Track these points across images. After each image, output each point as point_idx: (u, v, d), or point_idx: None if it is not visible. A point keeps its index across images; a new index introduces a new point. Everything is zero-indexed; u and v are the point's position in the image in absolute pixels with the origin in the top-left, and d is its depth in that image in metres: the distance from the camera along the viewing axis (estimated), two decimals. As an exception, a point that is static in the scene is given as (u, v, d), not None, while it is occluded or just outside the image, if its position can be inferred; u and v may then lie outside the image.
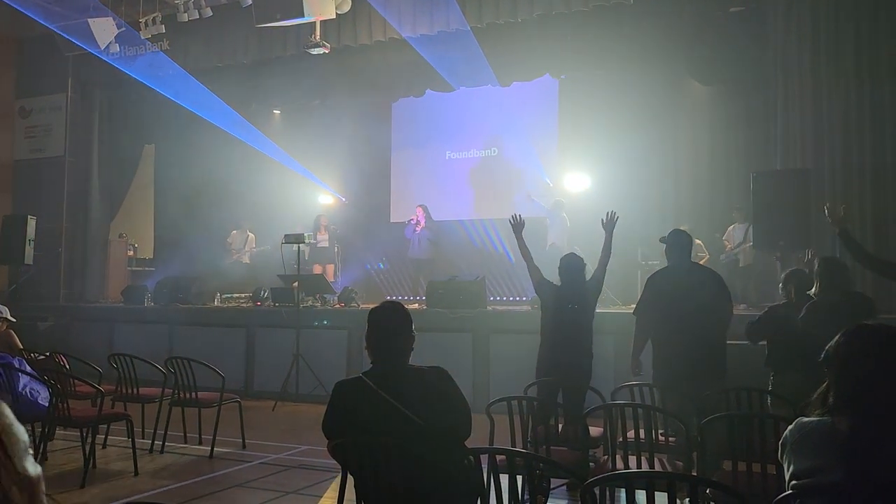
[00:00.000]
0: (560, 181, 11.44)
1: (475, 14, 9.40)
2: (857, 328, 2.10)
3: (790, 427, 2.10)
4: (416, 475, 2.71)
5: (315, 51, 9.80)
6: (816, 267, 4.78)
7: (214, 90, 11.35)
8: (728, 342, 5.10)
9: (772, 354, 4.87)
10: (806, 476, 2.00)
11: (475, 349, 8.41)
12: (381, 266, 12.91)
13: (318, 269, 11.69)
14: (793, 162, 8.08)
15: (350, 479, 2.96)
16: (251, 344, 9.70)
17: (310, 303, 9.72)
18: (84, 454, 5.39)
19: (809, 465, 2.00)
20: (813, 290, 4.74)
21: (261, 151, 12.26)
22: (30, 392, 5.61)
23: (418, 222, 11.04)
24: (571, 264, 5.51)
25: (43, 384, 5.60)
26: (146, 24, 10.08)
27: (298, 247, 9.23)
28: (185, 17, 9.77)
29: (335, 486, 4.70)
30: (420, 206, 11.20)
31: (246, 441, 6.52)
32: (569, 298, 5.44)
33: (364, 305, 9.63)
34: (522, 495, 3.05)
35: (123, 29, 10.50)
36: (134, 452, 5.65)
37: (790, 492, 2.05)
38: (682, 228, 5.59)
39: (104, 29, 10.49)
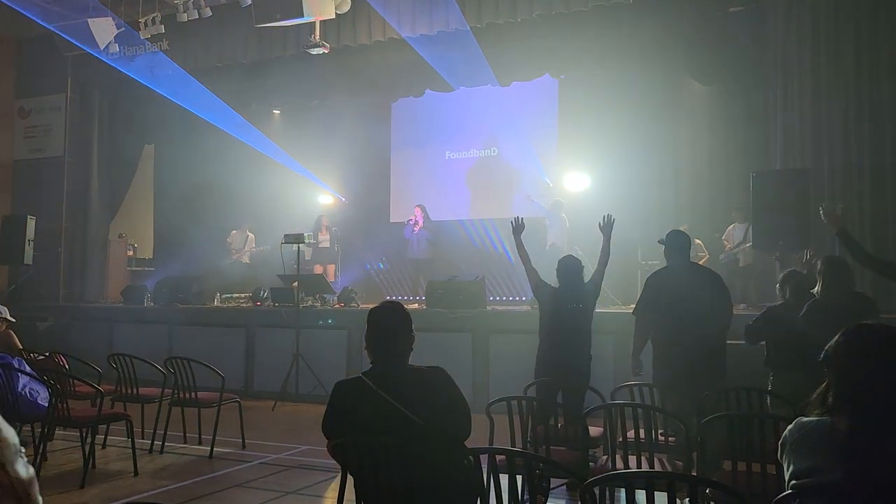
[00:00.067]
0: (560, 181, 11.44)
1: (475, 14, 9.39)
2: (857, 328, 2.10)
3: (790, 427, 2.10)
4: (415, 475, 2.71)
5: (315, 51, 9.80)
6: (820, 266, 4.79)
7: (214, 90, 11.36)
8: (728, 342, 5.10)
9: (771, 355, 4.87)
10: (805, 476, 2.00)
11: (475, 349, 8.41)
12: (381, 266, 12.92)
13: (318, 270, 11.70)
14: (792, 162, 8.08)
15: (350, 479, 2.96)
16: (251, 344, 9.70)
17: (309, 303, 9.72)
18: (84, 454, 5.39)
19: (809, 464, 2.00)
20: (816, 288, 4.75)
21: (260, 151, 12.25)
22: (29, 392, 5.61)
23: (416, 222, 11.04)
24: (570, 266, 5.50)
25: (42, 384, 5.60)
26: (146, 25, 10.07)
27: (298, 247, 9.23)
28: (185, 18, 9.76)
29: (335, 486, 4.69)
30: (418, 205, 11.21)
31: (246, 441, 6.52)
32: (567, 300, 5.44)
33: (364, 305, 9.64)
34: (522, 495, 3.05)
35: (123, 29, 10.50)
36: (133, 452, 5.65)
37: (790, 491, 2.05)
38: (680, 229, 5.59)
39: (103, 29, 10.49)
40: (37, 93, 12.79)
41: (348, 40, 10.13)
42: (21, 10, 10.58)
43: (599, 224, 5.69)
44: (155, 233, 14.24)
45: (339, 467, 3.01)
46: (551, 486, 4.74)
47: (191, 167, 12.61)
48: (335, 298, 10.07)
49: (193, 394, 6.29)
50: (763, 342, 4.96)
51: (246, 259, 12.28)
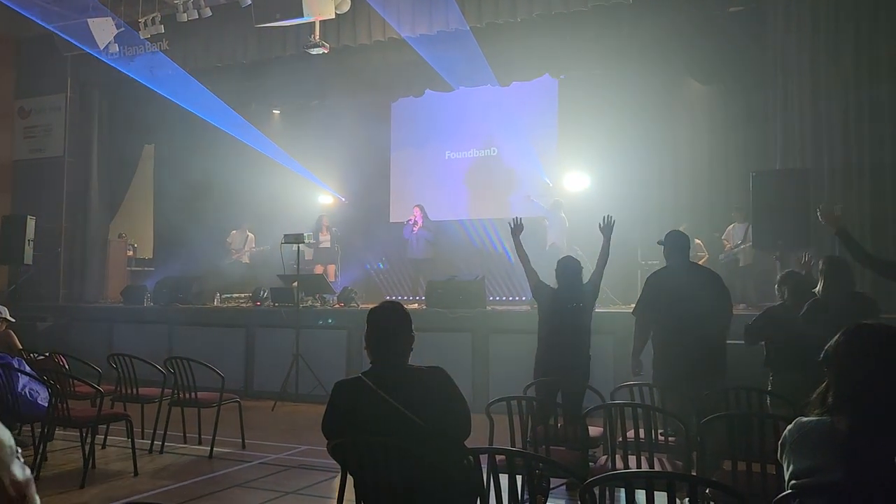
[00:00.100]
0: (559, 181, 11.44)
1: (474, 14, 9.39)
2: (857, 328, 2.10)
3: (789, 427, 2.10)
4: (415, 475, 2.71)
5: (314, 51, 9.80)
6: (821, 266, 4.80)
7: (214, 90, 11.35)
8: (728, 342, 5.11)
9: (770, 355, 4.88)
10: (805, 475, 2.00)
11: (475, 349, 8.41)
12: (381, 266, 12.91)
13: (319, 270, 11.70)
14: (792, 161, 8.09)
15: (350, 479, 2.96)
16: (251, 344, 9.70)
17: (309, 303, 9.72)
18: (83, 454, 5.39)
19: (809, 464, 2.00)
20: (817, 287, 4.75)
21: (260, 151, 12.25)
22: (29, 392, 5.61)
23: (415, 222, 11.05)
24: (568, 267, 5.49)
25: (42, 384, 5.60)
26: (145, 25, 10.07)
27: (298, 247, 9.22)
28: (185, 18, 9.76)
29: (335, 486, 4.69)
30: (417, 206, 11.22)
31: (245, 441, 6.52)
32: (566, 301, 5.43)
33: (363, 305, 9.64)
34: (522, 495, 3.05)
35: (122, 29, 10.50)
36: (133, 453, 5.65)
37: (789, 491, 2.05)
38: (679, 229, 5.60)
39: (103, 29, 10.49)
40: (36, 93, 12.79)
41: (348, 40, 10.13)
42: (21, 11, 10.58)
43: (600, 224, 5.68)
44: (155, 233, 14.24)
45: (339, 467, 3.01)
46: (551, 486, 4.74)
47: (191, 167, 12.61)
48: (335, 298, 10.07)
49: (193, 394, 6.29)
50: (762, 342, 4.96)
51: (246, 259, 12.28)
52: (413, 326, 2.99)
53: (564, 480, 4.86)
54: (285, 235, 9.11)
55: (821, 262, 4.86)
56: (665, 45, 9.44)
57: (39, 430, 5.70)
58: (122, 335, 10.24)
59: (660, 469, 3.84)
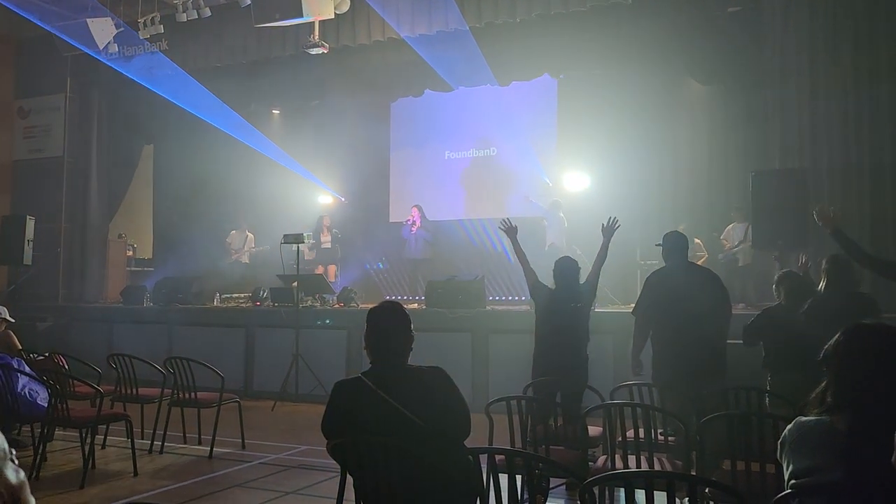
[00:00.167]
0: (559, 181, 11.44)
1: (474, 14, 9.39)
2: (857, 327, 2.10)
3: (789, 426, 2.11)
4: (415, 475, 2.71)
5: (314, 51, 9.80)
6: (825, 264, 4.80)
7: (213, 90, 11.34)
8: (727, 342, 5.11)
9: (769, 355, 4.88)
10: (805, 475, 2.00)
11: (474, 349, 8.41)
12: (381, 266, 12.91)
13: (319, 270, 11.70)
14: (791, 161, 8.08)
15: (350, 479, 2.96)
16: (250, 344, 9.70)
17: (309, 303, 9.72)
18: (83, 455, 5.39)
19: (808, 464, 2.00)
20: (820, 286, 4.75)
21: (260, 151, 12.25)
22: (29, 392, 5.61)
23: (414, 222, 11.06)
24: (566, 267, 5.48)
25: (42, 385, 5.60)
26: (145, 25, 10.06)
27: (298, 247, 9.22)
28: (184, 17, 9.76)
29: (335, 486, 4.69)
30: (415, 206, 11.22)
31: (245, 441, 6.52)
32: (564, 301, 5.43)
33: (363, 305, 9.63)
34: (522, 495, 3.05)
35: (122, 29, 10.50)
36: (133, 453, 5.65)
37: (789, 491, 2.06)
38: (678, 229, 5.60)
39: (103, 29, 10.49)
40: (36, 93, 12.78)
41: (347, 40, 10.12)
42: (20, 11, 10.58)
43: (603, 225, 5.67)
44: (154, 233, 14.24)
45: (339, 467, 3.01)
46: (550, 486, 4.73)
47: (190, 167, 12.61)
48: (335, 298, 10.07)
49: (193, 394, 6.29)
50: (761, 343, 4.96)
51: (245, 259, 12.28)
52: (412, 326, 2.99)
53: (564, 480, 4.86)
54: (285, 235, 9.11)
55: (824, 262, 4.86)
56: (664, 46, 9.45)
57: (39, 430, 5.69)
58: (121, 335, 10.22)
59: (659, 469, 3.85)
